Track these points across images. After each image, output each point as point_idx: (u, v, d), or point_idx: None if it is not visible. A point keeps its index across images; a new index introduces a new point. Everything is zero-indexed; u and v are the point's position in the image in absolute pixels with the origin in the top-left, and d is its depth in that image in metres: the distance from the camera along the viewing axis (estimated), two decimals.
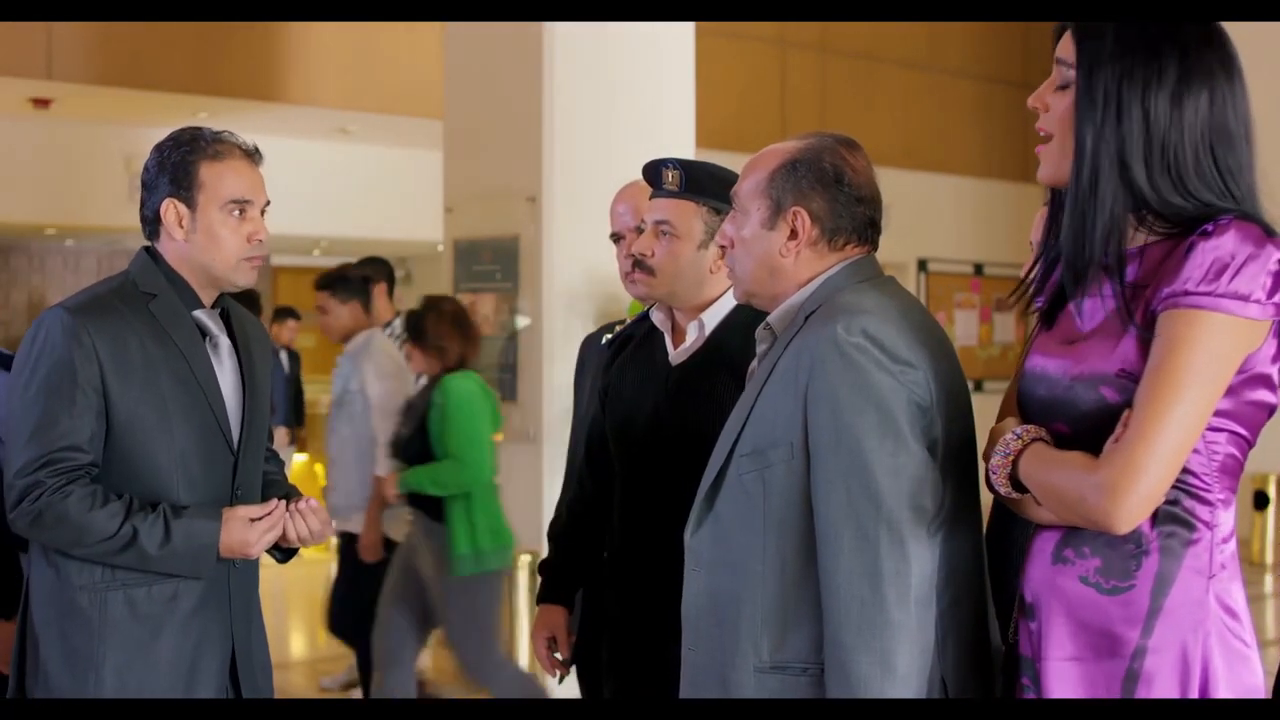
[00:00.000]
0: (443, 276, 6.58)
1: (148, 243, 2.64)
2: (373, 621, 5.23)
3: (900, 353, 2.00)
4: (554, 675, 3.07)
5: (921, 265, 11.66)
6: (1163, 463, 1.72)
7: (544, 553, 3.20)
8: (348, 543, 5.34)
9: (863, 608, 1.94)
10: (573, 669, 3.07)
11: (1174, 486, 1.78)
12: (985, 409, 2.06)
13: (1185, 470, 1.79)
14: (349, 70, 8.36)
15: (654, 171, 2.75)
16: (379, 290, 6.30)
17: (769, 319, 2.20)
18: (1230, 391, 1.78)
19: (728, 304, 2.70)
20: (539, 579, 3.09)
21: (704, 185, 2.69)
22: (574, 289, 5.93)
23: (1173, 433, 1.72)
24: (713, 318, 2.72)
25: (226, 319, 2.68)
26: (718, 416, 2.24)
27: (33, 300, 11.51)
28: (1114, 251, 1.84)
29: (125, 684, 2.48)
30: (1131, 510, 1.73)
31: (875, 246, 2.22)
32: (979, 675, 2.04)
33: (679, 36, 6.25)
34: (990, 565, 2.10)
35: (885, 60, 11.03)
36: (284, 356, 9.36)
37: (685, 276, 2.71)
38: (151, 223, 2.61)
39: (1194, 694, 1.78)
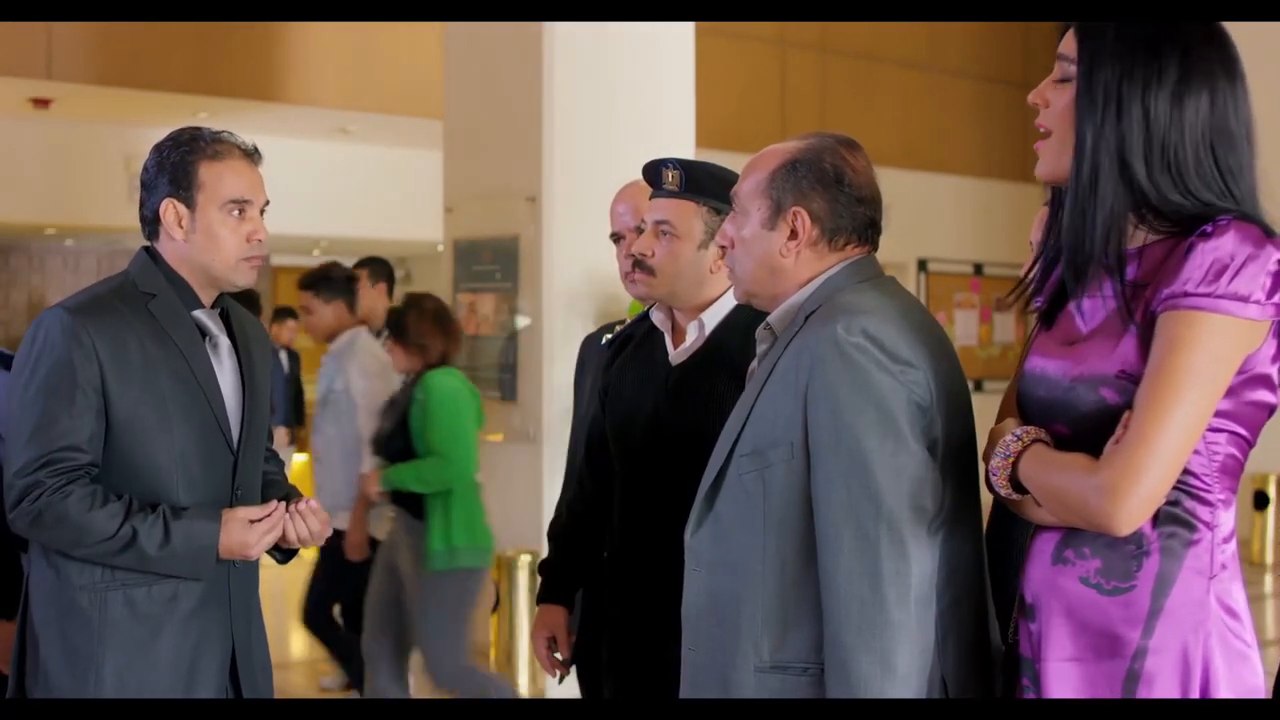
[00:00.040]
0: (443, 276, 6.58)
1: (147, 243, 2.64)
2: (344, 620, 5.22)
3: (900, 353, 2.00)
4: (554, 675, 3.07)
5: (921, 265, 11.67)
6: (1163, 464, 1.72)
7: (544, 553, 3.20)
8: (332, 541, 5.34)
9: (863, 608, 1.94)
10: (573, 669, 3.07)
11: (1174, 487, 1.78)
12: (985, 409, 2.06)
13: (1186, 471, 1.79)
14: (349, 70, 8.36)
15: (654, 171, 2.75)
16: (379, 290, 6.30)
17: (769, 319, 2.20)
18: (1230, 392, 1.78)
19: (728, 304, 2.70)
20: (539, 579, 3.09)
21: (704, 185, 2.69)
22: (574, 289, 5.93)
23: (1173, 434, 1.72)
24: (713, 318, 2.72)
25: (226, 319, 2.68)
26: (718, 416, 2.24)
27: (33, 300, 11.51)
28: (1114, 249, 1.84)
29: (125, 684, 2.48)
30: (1132, 512, 1.73)
31: (875, 246, 2.22)
32: (979, 675, 2.04)
33: (679, 36, 6.25)
34: (990, 565, 2.10)
35: (885, 60, 11.03)
36: (284, 356, 9.37)
37: (685, 276, 2.71)
38: (151, 223, 2.61)
39: (1195, 694, 1.78)
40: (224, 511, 2.52)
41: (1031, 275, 2.03)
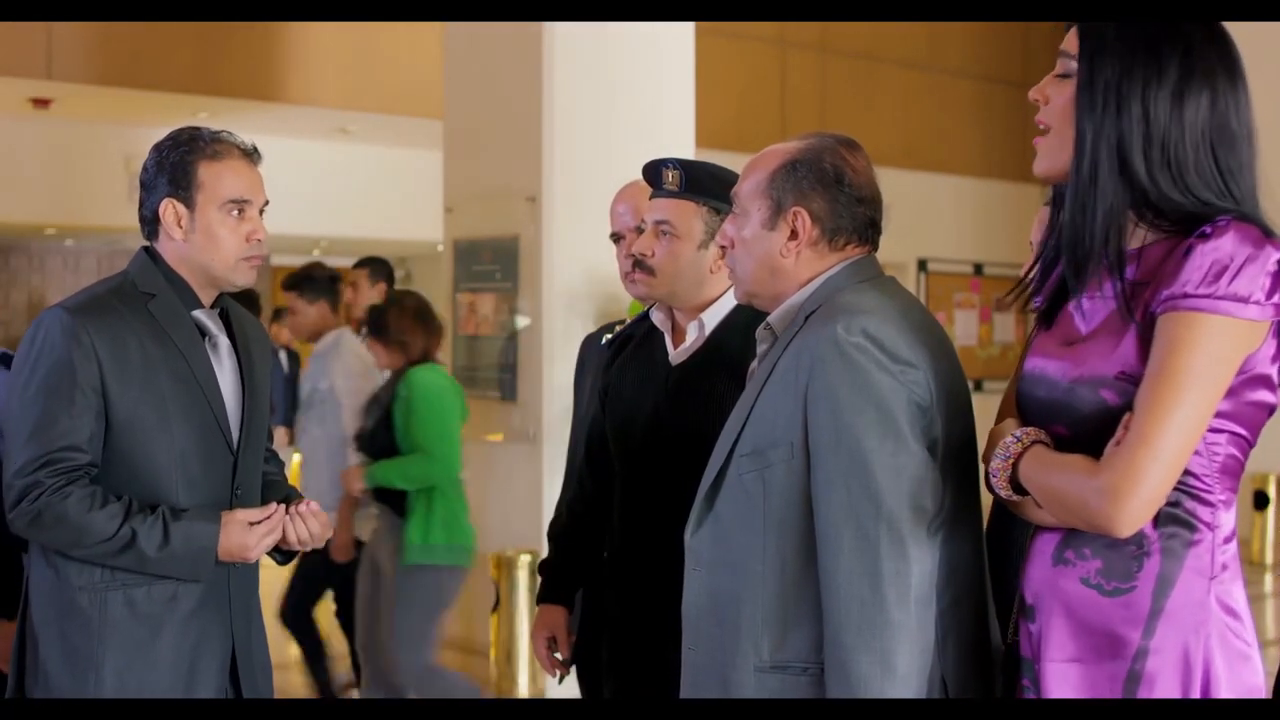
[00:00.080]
0: (443, 276, 6.58)
1: (147, 243, 2.64)
2: (339, 621, 5.21)
3: (900, 352, 2.00)
4: (554, 675, 3.07)
5: (921, 265, 11.67)
6: (1164, 466, 1.72)
7: (544, 553, 3.20)
8: None
9: (863, 607, 1.94)
10: (573, 669, 3.07)
11: (1175, 488, 1.78)
12: (985, 409, 2.06)
13: (1186, 472, 1.78)
14: (349, 70, 8.36)
15: (654, 171, 2.75)
16: (379, 290, 6.30)
17: (769, 319, 2.20)
18: (1230, 392, 1.78)
19: (728, 304, 2.70)
20: (539, 579, 3.09)
21: (704, 185, 2.69)
22: (574, 289, 5.93)
23: (1174, 436, 1.72)
24: (713, 318, 2.72)
25: (226, 319, 2.67)
26: (718, 416, 2.24)
27: (33, 300, 11.51)
28: (1114, 245, 1.84)
29: (125, 684, 2.47)
30: (1134, 514, 1.73)
31: (876, 246, 2.22)
32: (979, 675, 2.04)
33: (679, 36, 6.25)
34: (990, 565, 2.10)
35: (885, 60, 11.03)
36: (283, 356, 9.37)
37: (685, 276, 2.71)
38: (150, 223, 2.61)
39: (1196, 694, 1.78)
40: (223, 513, 2.52)
41: (1031, 275, 2.03)
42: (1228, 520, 1.84)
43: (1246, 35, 2.10)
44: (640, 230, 2.90)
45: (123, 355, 2.48)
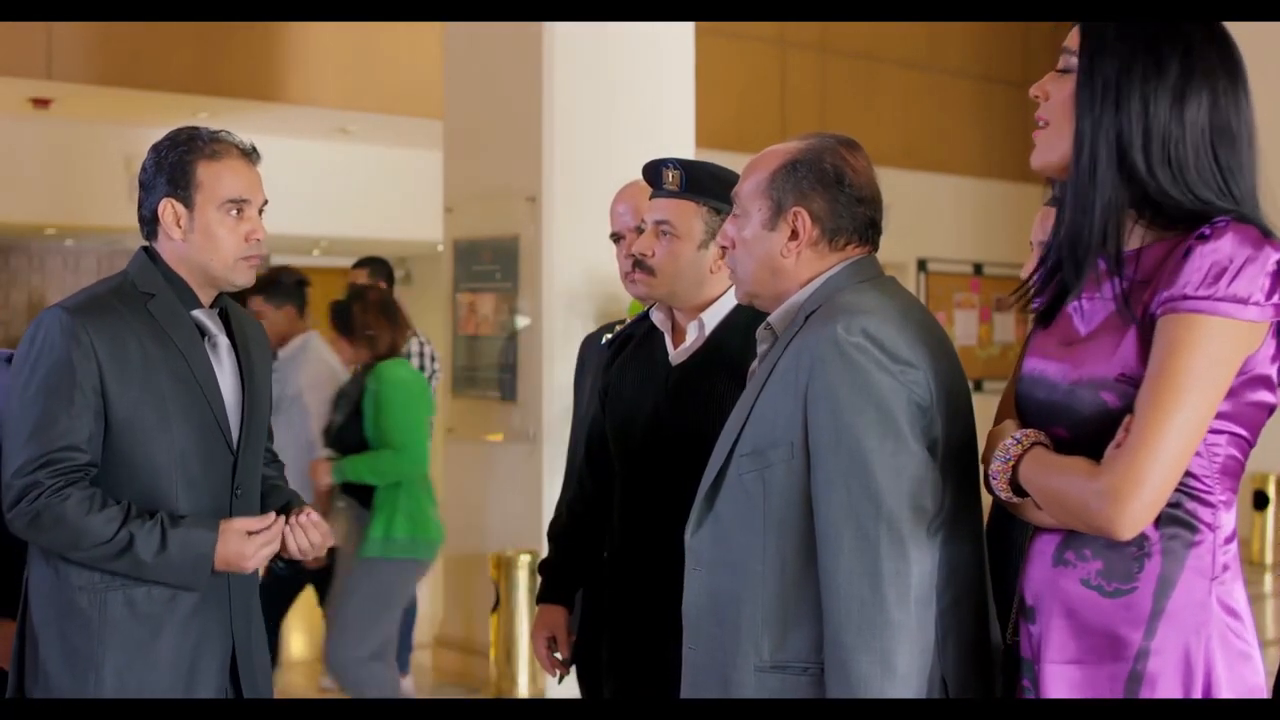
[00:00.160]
0: (443, 276, 6.58)
1: (146, 243, 2.64)
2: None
3: (900, 352, 2.00)
4: (554, 675, 3.07)
5: (921, 265, 11.67)
6: (1165, 468, 1.72)
7: (544, 553, 3.20)
8: None
9: (863, 608, 1.94)
10: (573, 669, 3.07)
11: (1176, 489, 1.78)
12: (985, 409, 2.06)
13: (1187, 472, 1.78)
14: (349, 70, 8.35)
15: (654, 171, 2.75)
16: None
17: (769, 319, 2.20)
18: (1230, 393, 1.78)
19: (728, 304, 2.70)
20: (539, 579, 3.09)
21: (704, 185, 2.69)
22: (574, 289, 5.93)
23: (1175, 438, 1.72)
24: (713, 318, 2.72)
25: (225, 319, 2.67)
26: (718, 416, 2.24)
27: (32, 300, 11.50)
28: (1112, 242, 1.84)
29: (125, 684, 2.47)
30: (1135, 516, 1.73)
31: (876, 247, 2.22)
32: (979, 675, 2.04)
33: (679, 36, 6.25)
34: (990, 565, 2.10)
35: (885, 60, 11.03)
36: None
37: (685, 276, 2.71)
38: (149, 222, 2.61)
39: (1198, 695, 1.78)
40: (221, 522, 2.51)
41: (1034, 278, 2.03)
42: (1228, 521, 1.84)
43: (1247, 35, 2.10)
44: (640, 230, 2.90)
45: (122, 355, 2.48)
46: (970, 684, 2.02)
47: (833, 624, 1.97)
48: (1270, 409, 1.84)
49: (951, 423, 2.03)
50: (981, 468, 1.98)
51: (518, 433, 6.06)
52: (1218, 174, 1.82)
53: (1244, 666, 1.81)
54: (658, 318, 2.82)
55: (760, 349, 2.21)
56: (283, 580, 5.11)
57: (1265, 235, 1.76)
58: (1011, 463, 1.87)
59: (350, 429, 4.72)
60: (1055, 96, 1.90)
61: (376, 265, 6.37)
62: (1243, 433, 1.82)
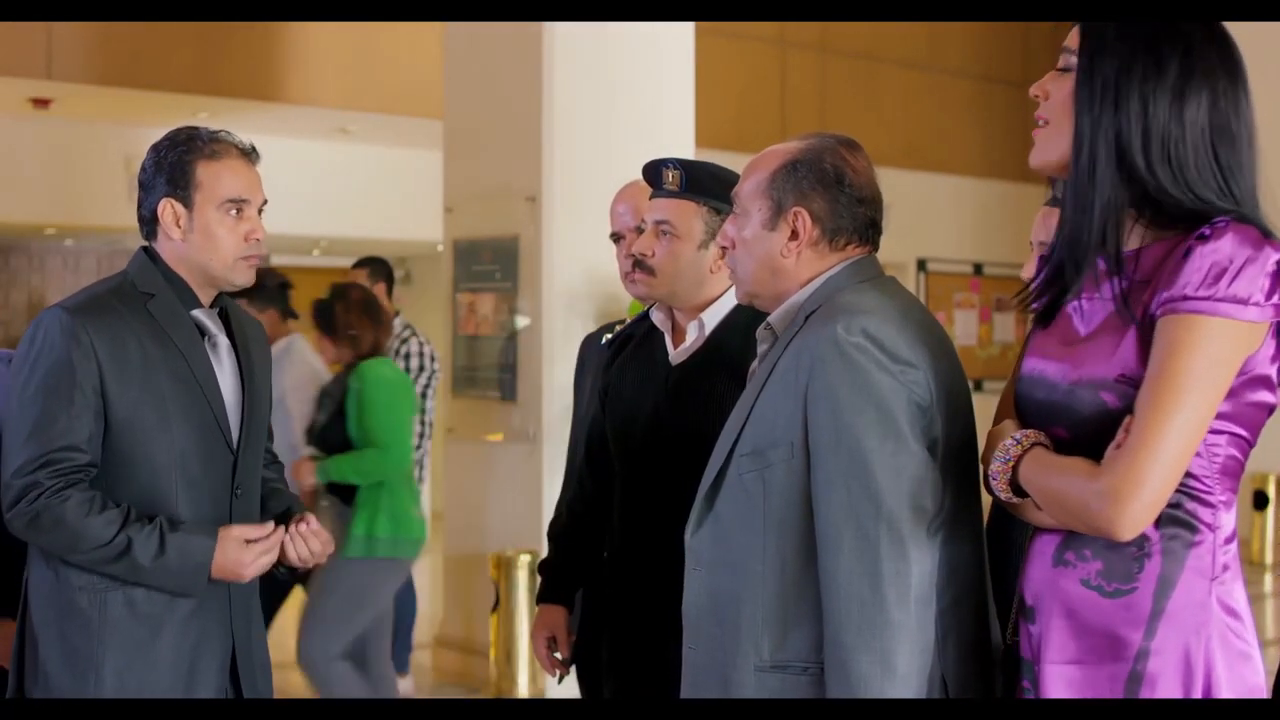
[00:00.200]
0: (443, 276, 6.58)
1: (146, 243, 2.64)
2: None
3: (900, 352, 2.00)
4: (554, 675, 3.07)
5: (921, 265, 11.66)
6: (1166, 469, 1.72)
7: (544, 553, 3.20)
8: None
9: (863, 607, 1.94)
10: (573, 669, 3.07)
11: (1176, 489, 1.78)
12: (985, 409, 2.06)
13: (1187, 473, 1.78)
14: (349, 70, 8.35)
15: (654, 171, 2.75)
16: (378, 290, 6.30)
17: (769, 319, 2.20)
18: (1230, 393, 1.78)
19: (728, 304, 2.70)
20: (539, 579, 3.09)
21: (704, 185, 2.69)
22: (574, 289, 5.93)
23: (1175, 439, 1.72)
24: (713, 317, 2.72)
25: (225, 318, 2.67)
26: (718, 416, 2.24)
27: (32, 300, 11.50)
28: (1111, 241, 1.84)
29: (125, 684, 2.47)
30: (1135, 517, 1.73)
31: (876, 247, 2.22)
32: (980, 675, 2.04)
33: (679, 36, 6.25)
34: (989, 565, 2.10)
35: (885, 60, 11.03)
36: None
37: (685, 276, 2.71)
38: (149, 222, 2.61)
39: (1198, 695, 1.78)
40: (220, 529, 2.51)
41: (1038, 279, 2.03)
42: (1228, 521, 1.84)
43: (1247, 35, 2.10)
44: (640, 230, 2.90)
45: (122, 355, 2.48)
46: (970, 684, 2.02)
47: (833, 624, 1.97)
48: (1270, 409, 1.84)
49: (951, 423, 2.03)
50: (981, 468, 1.98)
51: (518, 433, 6.06)
52: (1218, 173, 1.82)
53: (1244, 666, 1.81)
54: (658, 318, 2.82)
55: (760, 349, 2.21)
56: (275, 581, 5.10)
57: (1265, 235, 1.76)
58: (1011, 463, 1.87)
59: (333, 428, 4.72)
60: (1055, 96, 1.91)
61: (376, 265, 6.37)
62: (1243, 433, 1.82)
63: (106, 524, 2.42)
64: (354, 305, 4.79)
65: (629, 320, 3.12)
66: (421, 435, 6.21)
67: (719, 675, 2.11)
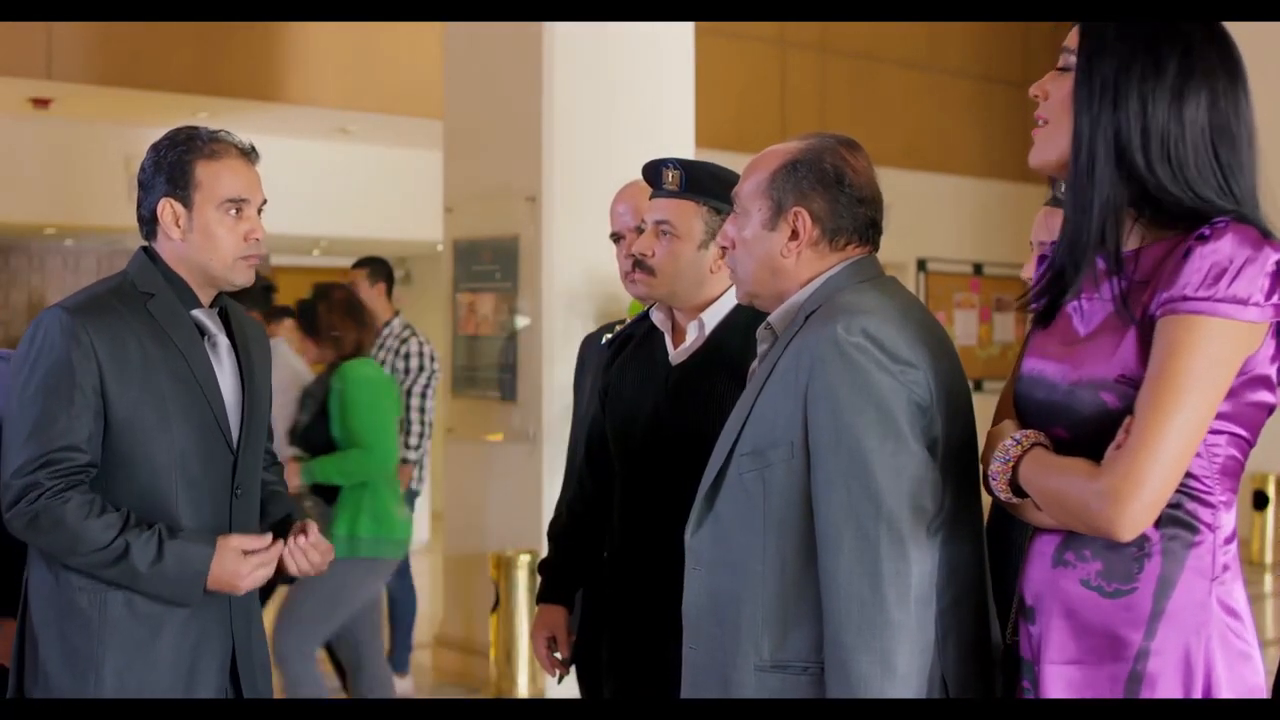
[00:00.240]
0: (443, 276, 6.58)
1: (145, 243, 2.64)
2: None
3: (900, 352, 2.00)
4: (554, 675, 3.07)
5: (921, 265, 11.66)
6: (1166, 469, 1.72)
7: (544, 553, 3.20)
8: None
9: (863, 607, 1.94)
10: (573, 669, 3.07)
11: (1176, 489, 1.78)
12: (985, 409, 2.06)
13: (1187, 473, 1.78)
14: (349, 70, 8.35)
15: (654, 171, 2.75)
16: (378, 290, 6.30)
17: (769, 319, 2.20)
18: (1230, 393, 1.78)
19: (728, 304, 2.70)
20: (539, 579, 3.09)
21: (704, 185, 2.69)
22: (574, 289, 5.93)
23: (1175, 439, 1.72)
24: (713, 317, 2.72)
25: (225, 318, 2.67)
26: (718, 416, 2.24)
27: (32, 300, 11.50)
28: (1111, 241, 1.84)
29: (125, 684, 2.47)
30: (1135, 518, 1.73)
31: (876, 247, 2.22)
32: (980, 675, 2.04)
33: (679, 36, 6.25)
34: (990, 565, 2.10)
35: (885, 60, 11.03)
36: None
37: (685, 276, 2.71)
38: (148, 222, 2.61)
39: (1198, 695, 1.78)
40: (219, 538, 2.51)
41: (1039, 278, 2.03)
42: (1228, 521, 1.84)
43: (1247, 35, 2.10)
44: (640, 230, 2.90)
45: (122, 355, 2.48)
46: (970, 684, 2.02)
47: (833, 624, 1.97)
48: (1270, 409, 1.84)
49: (951, 423, 2.03)
50: (981, 468, 1.98)
51: (518, 433, 6.06)
52: (1218, 172, 1.82)
53: (1244, 666, 1.81)
54: (658, 318, 2.82)
55: (760, 349, 2.22)
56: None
57: (1265, 236, 1.76)
58: (1011, 463, 1.87)
59: (316, 428, 4.71)
60: (1054, 95, 1.91)
61: (376, 265, 6.36)
62: (1243, 433, 1.82)
63: (105, 528, 2.42)
64: (336, 306, 4.79)
65: (629, 320, 3.12)
66: (421, 435, 6.21)
67: (719, 675, 2.11)
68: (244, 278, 2.62)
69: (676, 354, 2.75)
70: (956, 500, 2.02)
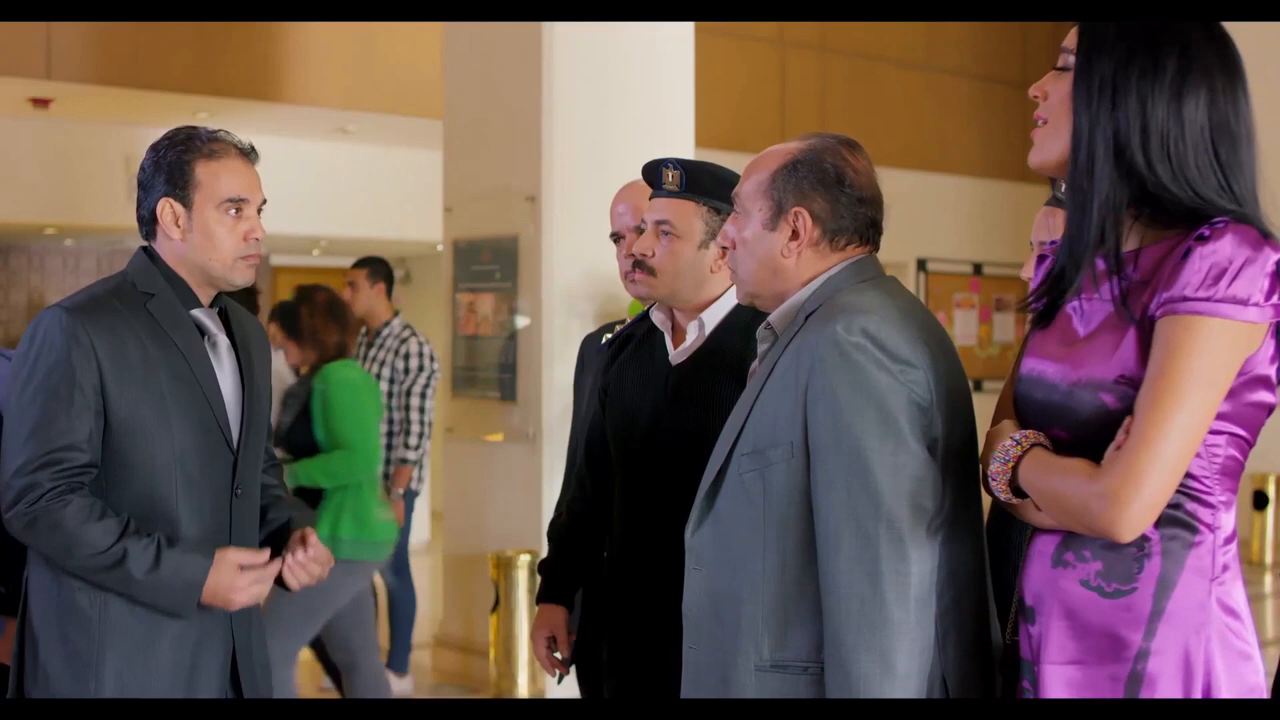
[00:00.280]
0: (442, 276, 6.58)
1: (145, 242, 2.64)
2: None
3: (900, 352, 2.00)
4: (554, 675, 3.07)
5: (921, 265, 11.66)
6: (1166, 470, 1.72)
7: (544, 553, 3.20)
8: None
9: (863, 607, 1.94)
10: (573, 669, 3.07)
11: (1175, 490, 1.78)
12: (985, 409, 2.06)
13: (1186, 473, 1.78)
14: (349, 70, 8.35)
15: (654, 171, 2.75)
16: (378, 290, 6.30)
17: (770, 319, 2.20)
18: (1230, 394, 1.78)
19: (728, 304, 2.70)
20: (539, 579, 3.09)
21: (704, 185, 2.69)
22: (574, 289, 5.93)
23: (1175, 440, 1.72)
24: (713, 317, 2.72)
25: (225, 318, 2.67)
26: (718, 416, 2.24)
27: (32, 300, 11.50)
28: (1110, 240, 1.84)
29: (125, 685, 2.47)
30: (1135, 518, 1.73)
31: (877, 247, 2.22)
32: (980, 674, 2.04)
33: (679, 36, 6.25)
34: (990, 565, 2.10)
35: (885, 60, 11.03)
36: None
37: (685, 276, 2.71)
38: (148, 222, 2.61)
39: (1197, 695, 1.78)
40: (217, 550, 2.51)
41: (1039, 278, 2.03)
42: (1228, 521, 1.84)
43: (1247, 35, 2.10)
44: (640, 230, 2.90)
45: (122, 355, 2.48)
46: (970, 684, 2.02)
47: (833, 623, 1.97)
48: (1270, 409, 1.84)
49: (951, 422, 2.03)
50: (980, 468, 1.98)
51: (517, 433, 6.06)
52: (1218, 171, 1.82)
53: (1244, 666, 1.81)
54: (658, 318, 2.82)
55: (760, 349, 2.22)
56: None
57: (1264, 236, 1.76)
58: (1011, 464, 1.87)
59: (298, 430, 4.71)
60: (1054, 95, 1.91)
61: (376, 265, 6.36)
62: (1242, 433, 1.82)
63: (104, 532, 2.42)
64: (319, 308, 4.78)
65: (629, 320, 3.12)
66: (421, 435, 6.21)
67: (719, 675, 2.11)
68: (244, 278, 2.62)
69: (676, 354, 2.75)
70: (956, 500, 2.02)
